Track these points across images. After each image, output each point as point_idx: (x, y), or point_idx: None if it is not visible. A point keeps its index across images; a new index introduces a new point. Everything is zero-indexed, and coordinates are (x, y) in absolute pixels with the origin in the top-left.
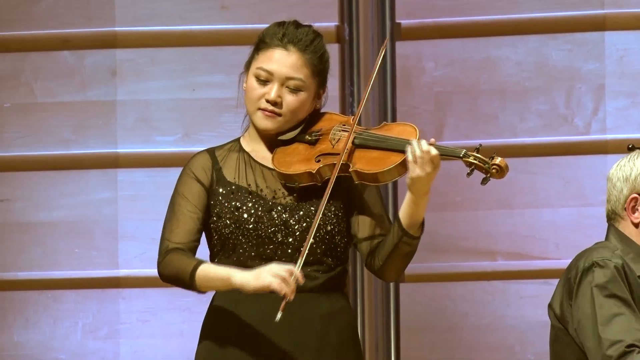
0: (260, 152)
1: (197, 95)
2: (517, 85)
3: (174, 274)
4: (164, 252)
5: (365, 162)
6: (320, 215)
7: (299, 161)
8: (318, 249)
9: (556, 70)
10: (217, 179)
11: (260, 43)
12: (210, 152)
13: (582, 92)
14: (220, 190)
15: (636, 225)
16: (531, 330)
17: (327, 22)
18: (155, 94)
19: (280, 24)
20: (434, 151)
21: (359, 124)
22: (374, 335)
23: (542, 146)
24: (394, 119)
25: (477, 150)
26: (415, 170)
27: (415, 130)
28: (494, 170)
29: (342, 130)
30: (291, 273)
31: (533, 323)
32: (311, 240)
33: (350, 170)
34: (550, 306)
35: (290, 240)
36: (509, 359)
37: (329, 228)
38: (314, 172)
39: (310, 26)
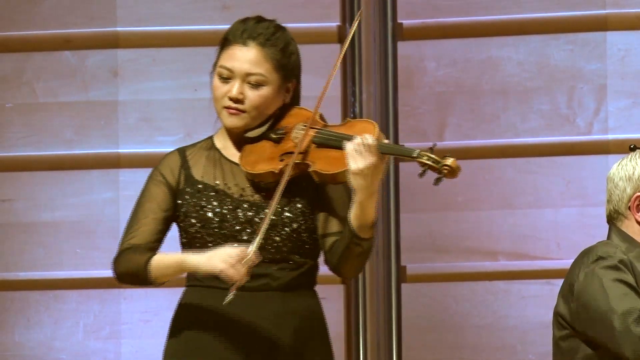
0: (230, 149)
1: (199, 96)
2: (519, 85)
3: (128, 270)
4: (119, 251)
5: (324, 162)
6: (286, 214)
7: (263, 160)
8: (285, 247)
9: (558, 70)
10: (185, 179)
11: (224, 41)
12: (181, 151)
13: (583, 92)
14: (187, 189)
15: None
16: (533, 330)
17: (328, 22)
18: (157, 94)
19: (243, 21)
20: (369, 141)
21: (324, 120)
22: (375, 335)
23: (543, 146)
24: (395, 119)
25: (431, 150)
26: (352, 164)
27: (374, 126)
28: (445, 171)
29: (303, 128)
30: (242, 258)
31: (535, 323)
32: (266, 225)
33: (309, 170)
34: (556, 309)
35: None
36: (511, 358)
37: (294, 226)
38: (277, 171)
39: (273, 20)
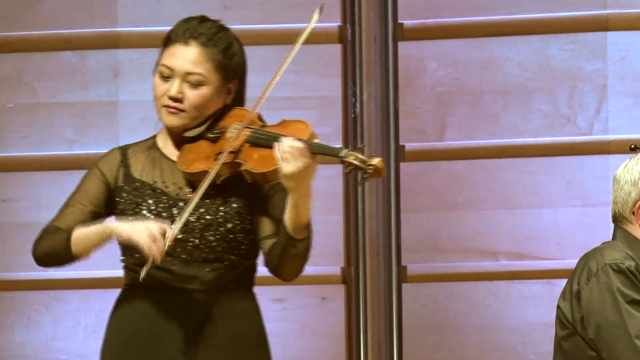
0: (171, 148)
1: None
2: (520, 85)
3: (48, 248)
4: (39, 235)
5: (255, 162)
6: (221, 214)
7: (199, 159)
8: (219, 247)
9: (559, 71)
10: (124, 177)
11: (167, 40)
12: (123, 149)
13: (584, 92)
14: (125, 187)
15: None
16: (534, 330)
17: (329, 23)
18: None
19: (186, 20)
20: (297, 144)
21: (262, 120)
22: (376, 336)
23: (544, 146)
24: (396, 120)
25: (359, 150)
26: (283, 166)
27: (307, 126)
28: (370, 171)
29: (238, 128)
30: (163, 233)
31: (535, 323)
32: (191, 207)
33: (241, 169)
34: (558, 308)
35: (190, 237)
36: (512, 358)
37: (229, 226)
38: (210, 171)
39: (216, 21)
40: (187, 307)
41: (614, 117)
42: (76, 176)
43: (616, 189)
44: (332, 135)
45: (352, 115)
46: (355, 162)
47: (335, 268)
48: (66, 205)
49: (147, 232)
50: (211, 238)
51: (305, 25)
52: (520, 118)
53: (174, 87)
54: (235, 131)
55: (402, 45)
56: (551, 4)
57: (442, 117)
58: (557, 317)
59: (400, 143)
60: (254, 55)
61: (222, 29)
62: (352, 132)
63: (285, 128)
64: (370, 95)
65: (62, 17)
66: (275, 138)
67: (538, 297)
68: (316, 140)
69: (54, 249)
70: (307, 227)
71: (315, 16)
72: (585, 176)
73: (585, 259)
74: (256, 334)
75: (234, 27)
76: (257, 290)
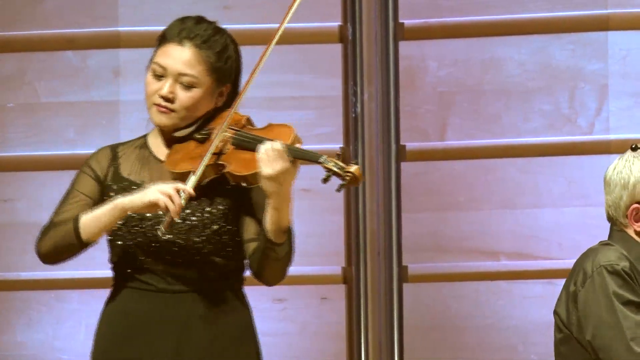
0: (160, 148)
1: None
2: (521, 85)
3: (55, 241)
4: (41, 232)
5: (237, 164)
6: (207, 215)
7: (185, 160)
8: (205, 248)
9: (559, 70)
10: (113, 175)
11: (161, 38)
12: (113, 147)
13: (585, 92)
14: (113, 186)
15: (639, 233)
16: (535, 330)
17: (330, 22)
18: None
19: (182, 19)
20: (277, 146)
21: (251, 123)
22: (377, 336)
23: (545, 146)
24: (397, 119)
25: (338, 156)
26: (263, 168)
27: (291, 131)
28: (348, 178)
29: (224, 130)
30: (177, 189)
31: (537, 323)
32: (205, 161)
33: (224, 171)
34: (555, 312)
35: (176, 238)
36: (513, 358)
37: (215, 227)
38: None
39: (212, 22)
40: (173, 308)
41: (614, 117)
42: None
43: (607, 192)
44: (332, 135)
45: (353, 115)
46: (334, 169)
47: (335, 268)
48: (63, 202)
49: (159, 191)
50: (197, 239)
51: (306, 24)
52: (521, 118)
53: (165, 86)
54: (222, 134)
55: (402, 44)
56: (552, 3)
57: (443, 116)
58: (555, 323)
59: (401, 143)
60: (254, 55)
61: (218, 31)
62: (352, 132)
63: (270, 132)
64: (371, 95)
65: (64, 17)
66: (259, 141)
67: (539, 296)
68: (298, 145)
69: (61, 241)
70: (287, 231)
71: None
72: (586, 176)
73: (581, 260)
74: (242, 335)
75: (235, 26)
76: (258, 290)
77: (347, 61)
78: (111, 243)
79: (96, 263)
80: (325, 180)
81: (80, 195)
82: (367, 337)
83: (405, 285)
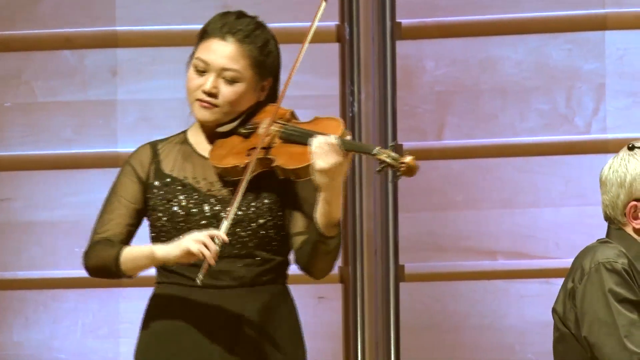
0: (202, 143)
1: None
2: (518, 84)
3: (99, 263)
4: (89, 245)
5: (287, 158)
6: (253, 209)
7: (230, 154)
8: (251, 242)
9: (557, 70)
10: (155, 172)
11: (202, 33)
12: (153, 144)
13: (582, 91)
14: (156, 183)
15: (637, 231)
16: (532, 329)
17: (327, 22)
18: (156, 93)
19: (224, 15)
20: (332, 140)
21: (295, 117)
22: (374, 335)
23: (542, 146)
24: (394, 119)
25: (391, 147)
26: (317, 162)
27: (340, 123)
28: (403, 169)
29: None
30: (212, 236)
31: (534, 323)
32: (234, 209)
33: (273, 165)
34: (554, 310)
35: None
36: (510, 358)
37: (261, 221)
38: (242, 166)
39: (254, 17)
40: (219, 303)
41: (612, 117)
42: (75, 175)
43: (604, 191)
44: None
45: (351, 115)
46: (388, 160)
47: None
48: (107, 210)
49: (194, 240)
50: (243, 234)
51: (303, 23)
52: (519, 117)
53: (208, 81)
54: (266, 127)
55: (400, 44)
56: (549, 3)
57: (441, 116)
58: (554, 321)
59: (399, 142)
60: None
61: (260, 25)
62: (350, 131)
63: (317, 125)
64: (368, 94)
65: (61, 17)
66: (308, 134)
67: (536, 296)
68: (348, 138)
69: (104, 265)
70: (338, 224)
71: (323, 4)
72: (583, 175)
73: (579, 258)
74: (289, 329)
75: None
76: None
77: (344, 61)
78: (156, 240)
79: None
80: (380, 171)
81: (122, 200)
82: (364, 337)
83: (402, 285)
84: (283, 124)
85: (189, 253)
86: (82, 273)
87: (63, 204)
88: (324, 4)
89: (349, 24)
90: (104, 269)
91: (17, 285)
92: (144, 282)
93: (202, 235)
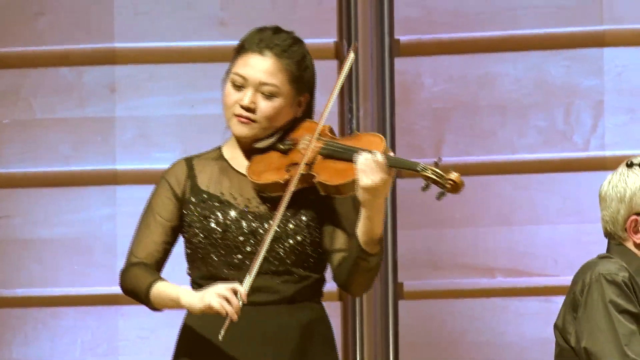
0: (238, 159)
1: (196, 112)
2: (516, 101)
3: (132, 289)
4: (127, 265)
5: (329, 174)
6: (291, 226)
7: (269, 170)
8: (288, 259)
9: (555, 87)
10: (191, 188)
11: (239, 49)
12: (188, 160)
13: (581, 108)
14: (192, 199)
15: (638, 245)
16: (530, 347)
17: (326, 39)
18: (154, 110)
19: (260, 30)
20: (378, 157)
21: (333, 133)
22: (372, 352)
23: (541, 163)
24: (392, 135)
25: (436, 164)
26: (362, 179)
27: (382, 140)
28: (449, 186)
29: (310, 139)
30: (235, 292)
31: (532, 340)
32: (261, 257)
33: (314, 181)
34: (555, 325)
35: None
36: None
37: (299, 238)
38: (282, 182)
39: (290, 32)
40: (257, 319)
41: (610, 133)
42: (73, 192)
43: (603, 207)
44: None
45: (349, 132)
46: (433, 177)
47: (331, 285)
48: (144, 228)
49: (217, 295)
50: (280, 250)
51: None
52: (517, 134)
53: (246, 96)
54: (307, 143)
55: (398, 61)
56: (547, 20)
57: (439, 133)
58: (555, 336)
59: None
60: None
61: (297, 41)
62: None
63: (359, 141)
64: (366, 111)
65: (59, 33)
66: (352, 151)
67: (535, 313)
68: (391, 154)
69: (136, 293)
70: (380, 241)
71: (352, 55)
72: (581, 192)
73: (581, 272)
74: (326, 346)
75: (230, 43)
76: None
77: None
78: (192, 256)
79: (91, 280)
80: (425, 188)
81: (157, 218)
82: (363, 354)
83: (400, 302)
84: (325, 140)
85: (210, 309)
86: (81, 290)
87: (62, 221)
88: (352, 55)
89: (347, 40)
90: (136, 296)
91: (16, 303)
92: None
93: (224, 289)
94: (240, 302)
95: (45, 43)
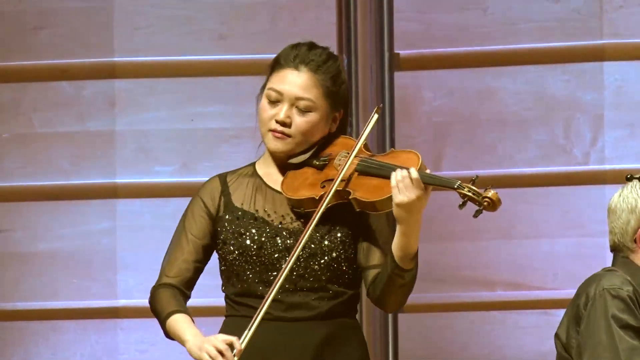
0: (272, 175)
1: (195, 126)
2: (516, 115)
3: (154, 311)
4: (157, 284)
5: (365, 190)
6: (326, 242)
7: (304, 186)
8: (323, 276)
9: (555, 101)
10: (225, 205)
11: (275, 64)
12: (222, 177)
13: (580, 122)
14: (227, 216)
15: None
16: None
17: None
18: (154, 124)
19: (295, 45)
20: (414, 174)
21: (368, 150)
22: None
23: (540, 176)
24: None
25: (473, 182)
26: (397, 196)
27: (418, 157)
28: (485, 203)
29: (346, 156)
30: (230, 343)
31: (532, 353)
32: (276, 288)
33: (350, 197)
34: (556, 335)
35: (294, 266)
36: None
37: (334, 255)
38: (317, 198)
39: (325, 48)
40: (292, 335)
41: (610, 147)
42: (73, 206)
43: (613, 219)
44: None
45: None
46: (470, 194)
47: None
48: (173, 246)
49: (214, 346)
50: (316, 267)
51: None
52: (517, 148)
53: (282, 111)
54: (343, 159)
55: (398, 75)
56: (547, 34)
57: (439, 147)
58: (556, 348)
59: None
60: (249, 85)
61: (331, 56)
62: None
63: (395, 158)
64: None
65: (58, 48)
66: (388, 167)
67: (534, 327)
68: (427, 171)
69: (157, 316)
70: (415, 257)
71: (375, 116)
72: (581, 206)
73: (585, 285)
74: (361, 358)
75: (229, 57)
76: None
77: None
78: (227, 273)
79: (92, 294)
80: (462, 206)
81: (190, 236)
82: None
83: (400, 316)
84: (361, 157)
85: None
86: (81, 304)
87: (62, 235)
88: (376, 116)
89: (346, 55)
90: (157, 319)
91: (16, 316)
92: (142, 314)
93: (220, 343)
94: (236, 358)
95: (46, 57)
